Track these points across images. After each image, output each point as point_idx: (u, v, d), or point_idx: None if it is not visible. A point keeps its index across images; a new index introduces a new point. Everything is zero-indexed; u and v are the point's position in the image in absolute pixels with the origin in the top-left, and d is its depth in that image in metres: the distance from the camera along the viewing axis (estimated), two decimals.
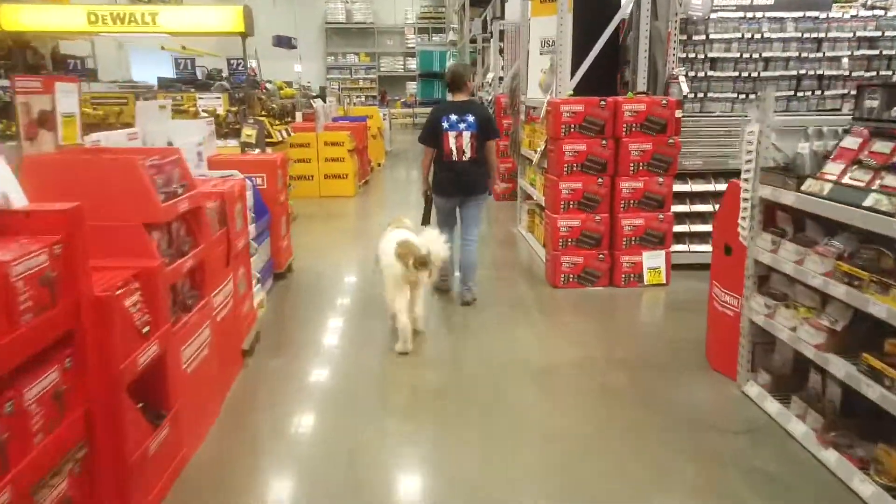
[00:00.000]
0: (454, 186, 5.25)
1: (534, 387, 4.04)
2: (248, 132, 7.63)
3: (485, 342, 4.74)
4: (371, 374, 4.25)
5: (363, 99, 29.90)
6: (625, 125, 5.64)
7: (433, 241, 4.57)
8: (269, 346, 4.63)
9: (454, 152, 5.13)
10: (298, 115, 12.27)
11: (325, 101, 18.94)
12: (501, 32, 10.30)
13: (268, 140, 7.75)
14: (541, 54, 7.49)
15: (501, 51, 10.39)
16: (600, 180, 5.72)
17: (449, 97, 5.44)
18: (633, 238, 5.78)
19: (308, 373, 4.29)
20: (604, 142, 5.67)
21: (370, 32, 29.56)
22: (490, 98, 10.25)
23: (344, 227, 8.91)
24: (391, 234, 4.74)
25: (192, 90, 8.43)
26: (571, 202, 5.76)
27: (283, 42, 27.56)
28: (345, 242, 7.68)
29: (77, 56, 15.96)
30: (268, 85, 14.81)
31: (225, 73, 14.20)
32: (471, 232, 5.40)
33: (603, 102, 5.63)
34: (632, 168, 5.69)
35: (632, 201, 5.74)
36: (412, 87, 28.13)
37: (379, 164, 14.11)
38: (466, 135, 5.10)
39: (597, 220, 5.76)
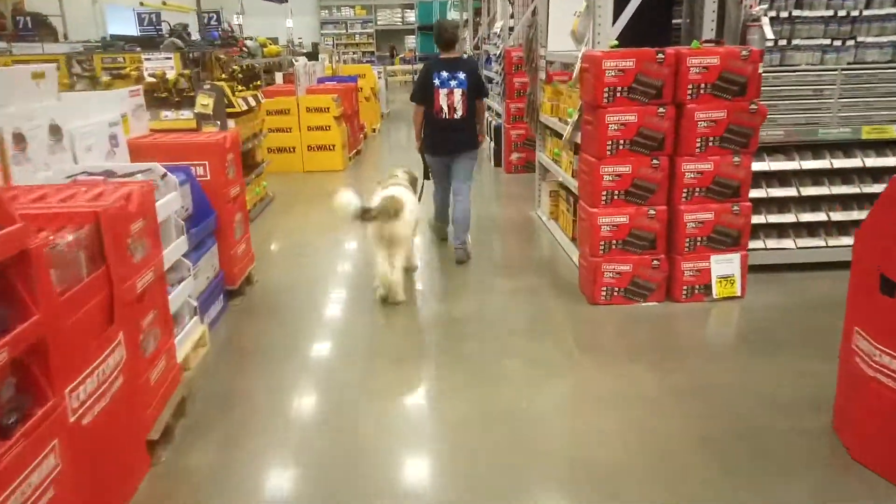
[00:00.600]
0: (445, 144, 5.21)
1: None
2: (204, 101, 6.09)
3: (494, 417, 3.26)
4: (363, 481, 2.77)
5: (359, 55, 28.04)
6: (690, 86, 4.09)
7: (385, 194, 4.53)
8: (202, 419, 3.17)
9: (445, 110, 5.03)
10: (279, 77, 10.68)
11: (317, 59, 17.28)
12: None
13: (228, 110, 6.22)
14: None
15: None
16: (655, 162, 4.22)
17: (442, 54, 5.19)
18: (699, 238, 4.29)
19: (261, 476, 2.80)
20: (661, 109, 4.15)
21: None
22: (499, 52, 8.63)
23: (329, 210, 7.38)
24: (381, 192, 4.67)
25: (138, 50, 6.84)
26: (617, 192, 4.25)
27: None
28: (328, 232, 6.24)
29: (43, 14, 14.27)
30: (248, 42, 13.14)
31: (196, 29, 12.52)
32: (462, 188, 5.30)
33: (661, 55, 4.09)
34: (699, 145, 4.17)
35: (698, 189, 4.24)
36: (411, 41, 26.21)
37: (374, 130, 12.51)
38: (457, 92, 5.00)
39: (650, 214, 4.28)
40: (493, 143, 9.17)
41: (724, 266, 4.32)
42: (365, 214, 4.31)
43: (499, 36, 8.58)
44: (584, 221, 4.46)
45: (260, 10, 25.63)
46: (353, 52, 28.08)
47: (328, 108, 8.77)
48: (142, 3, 20.28)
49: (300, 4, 26.65)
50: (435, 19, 24.85)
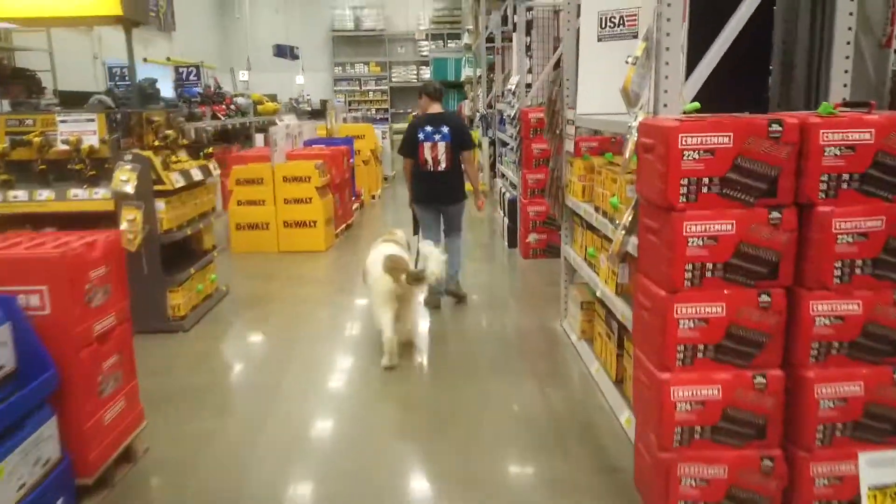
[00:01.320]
0: (431, 195, 5.27)
1: None
2: (124, 175, 4.56)
3: None
4: None
5: (373, 112, 27.03)
6: (824, 177, 2.48)
7: (431, 257, 4.42)
8: None
9: (429, 162, 5.16)
10: (260, 138, 9.23)
11: (324, 117, 15.99)
12: (529, 23, 7.16)
13: (157, 188, 4.67)
14: (599, 41, 4.31)
15: (529, 48, 7.26)
16: (765, 298, 2.56)
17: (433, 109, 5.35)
18: (839, 424, 2.59)
19: None
20: (775, 215, 2.52)
21: (380, 40, 26.60)
22: (514, 113, 7.09)
23: (295, 314, 5.62)
24: (380, 248, 4.62)
25: (59, 109, 5.36)
26: (702, 346, 2.60)
27: (284, 52, 24.68)
28: (293, 351, 4.60)
29: (31, 70, 13.14)
30: (240, 100, 11.83)
31: (170, 85, 11.24)
32: (454, 240, 5.46)
33: (777, 126, 2.47)
34: (838, 272, 2.52)
35: (835, 345, 2.56)
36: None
37: (374, 197, 11.00)
38: (441, 145, 5.12)
39: (758, 383, 2.59)
40: (506, 219, 7.58)
41: (884, 471, 2.57)
42: (415, 277, 4.26)
43: (514, 94, 7.07)
44: (645, 389, 2.74)
45: (272, 66, 24.81)
46: (367, 110, 27.13)
47: (309, 178, 7.24)
48: (146, 60, 19.43)
49: (313, 61, 25.82)
50: (451, 75, 23.80)
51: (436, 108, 5.31)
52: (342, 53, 26.85)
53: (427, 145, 5.14)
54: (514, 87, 7.06)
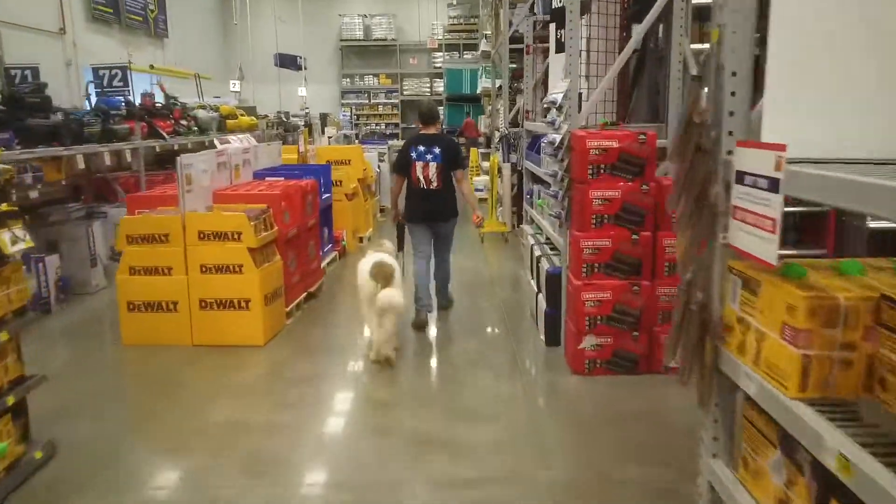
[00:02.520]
0: (423, 212, 5.20)
1: None
2: None
3: None
4: None
5: (383, 126, 24.44)
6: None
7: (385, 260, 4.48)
8: None
9: (421, 181, 5.12)
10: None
11: (322, 133, 13.41)
12: (586, 2, 4.37)
13: None
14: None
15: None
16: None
17: (421, 130, 5.31)
18: None
19: None
20: None
21: (392, 51, 24.05)
22: (560, 139, 4.29)
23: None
24: (370, 256, 4.59)
25: None
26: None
27: (287, 62, 22.11)
28: None
29: None
30: (200, 112, 9.20)
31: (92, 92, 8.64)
32: (444, 256, 5.40)
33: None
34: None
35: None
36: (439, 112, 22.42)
37: (362, 240, 8.27)
38: (433, 165, 5.10)
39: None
40: (540, 296, 4.84)
41: None
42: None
43: (558, 108, 4.31)
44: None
45: (274, 77, 22.32)
46: (376, 124, 24.58)
47: (239, 234, 4.53)
48: (130, 67, 16.96)
49: (320, 72, 23.31)
50: (466, 88, 21.17)
51: (429, 130, 5.24)
52: (351, 64, 24.33)
53: (419, 164, 5.12)
54: (559, 99, 4.30)
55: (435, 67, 23.67)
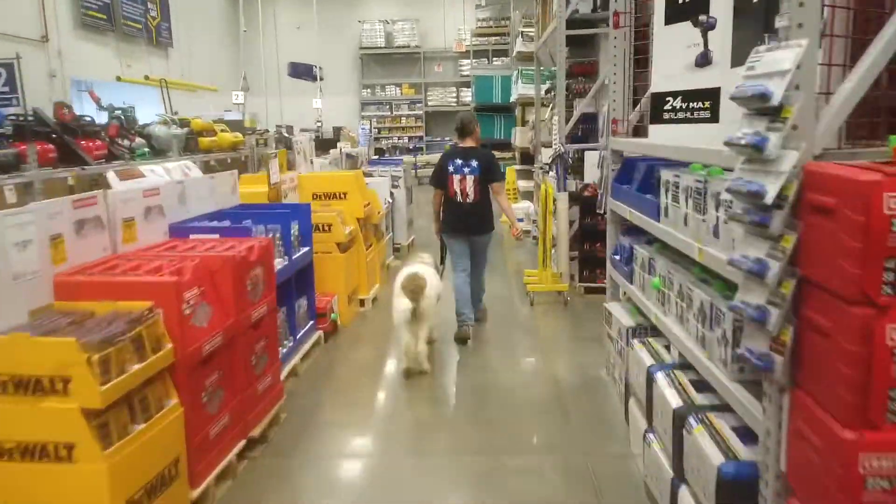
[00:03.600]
0: (460, 225, 5.10)
1: None
2: None
3: None
4: None
5: (405, 140, 22.09)
6: None
7: (419, 272, 4.43)
8: None
9: (458, 194, 5.04)
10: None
11: (335, 147, 11.12)
12: None
13: None
14: None
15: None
16: None
17: (459, 144, 5.24)
18: None
19: None
20: None
21: (415, 59, 21.72)
22: (781, 179, 1.80)
23: None
24: (406, 269, 4.56)
25: None
26: None
27: (302, 71, 19.82)
28: None
29: None
30: (158, 129, 6.87)
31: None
32: (479, 269, 5.24)
33: None
34: None
35: None
36: None
37: (363, 304, 5.75)
38: (470, 178, 5.01)
39: None
40: (667, 466, 2.33)
41: None
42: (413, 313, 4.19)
43: (764, 112, 1.82)
44: None
45: (293, 89, 20.16)
46: (399, 137, 22.27)
47: (65, 383, 2.11)
48: (119, 79, 14.88)
49: (338, 83, 21.07)
50: (497, 97, 18.69)
51: (467, 143, 5.15)
52: (372, 74, 22.05)
53: (456, 178, 5.02)
54: (768, 90, 1.78)
55: (462, 75, 21.25)
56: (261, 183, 5.05)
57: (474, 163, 5.00)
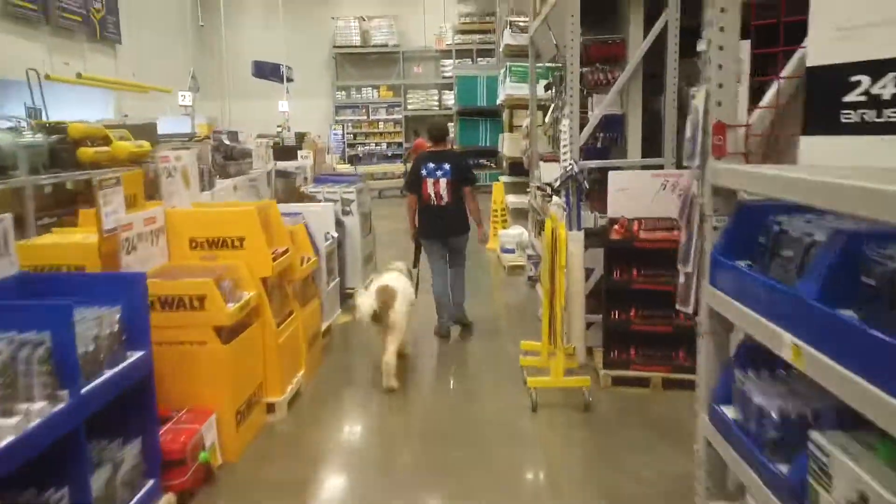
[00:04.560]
0: (435, 227, 5.09)
1: None
2: None
3: None
4: None
5: (384, 147, 20.00)
6: None
7: (389, 284, 4.30)
8: None
9: (433, 197, 5.02)
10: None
11: (296, 158, 9.23)
12: None
13: None
14: None
15: None
16: None
17: (431, 148, 5.26)
18: None
19: None
20: None
21: (393, 59, 19.67)
22: None
23: None
24: (378, 279, 4.44)
25: None
26: None
27: (267, 71, 17.70)
28: None
29: None
30: None
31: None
32: (458, 270, 5.19)
33: None
34: None
35: None
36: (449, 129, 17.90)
37: (268, 414, 3.67)
38: (443, 181, 4.99)
39: None
40: None
41: None
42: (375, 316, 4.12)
43: None
44: None
45: (260, 91, 18.02)
46: (377, 143, 20.18)
47: None
48: (49, 77, 12.62)
49: (309, 85, 18.96)
50: (481, 99, 16.66)
51: (439, 147, 5.20)
52: (346, 75, 19.95)
53: (430, 181, 4.99)
54: None
55: (444, 76, 19.23)
56: (84, 228, 2.94)
57: (447, 166, 4.99)
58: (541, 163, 5.57)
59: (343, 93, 19.85)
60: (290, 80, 17.55)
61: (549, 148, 5.84)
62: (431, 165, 5.00)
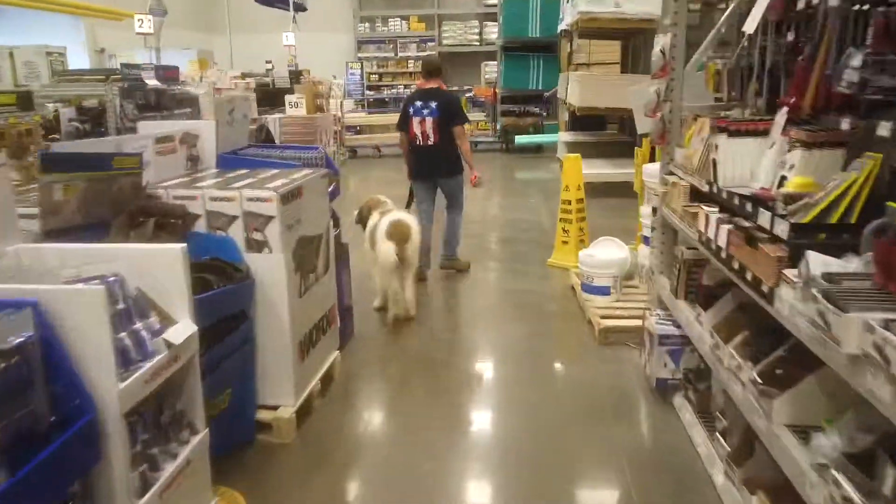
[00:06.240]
0: (423, 169, 4.91)
1: None
2: None
3: None
4: None
5: (412, 89, 16.67)
6: None
7: (403, 219, 4.12)
8: None
9: (419, 137, 4.83)
10: None
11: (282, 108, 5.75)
12: None
13: None
14: None
15: None
16: None
17: (422, 85, 5.04)
18: None
19: None
20: None
21: None
22: None
23: None
24: (386, 217, 4.11)
25: None
26: None
27: None
28: None
29: None
30: None
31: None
32: (453, 216, 5.01)
33: None
34: None
35: None
36: (490, 69, 14.31)
37: None
38: (429, 120, 4.78)
39: None
40: None
41: None
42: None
43: None
44: None
45: (264, 24, 14.75)
46: (406, 86, 16.77)
47: None
48: None
49: (326, 16, 15.57)
50: (534, 30, 13.04)
51: (431, 84, 4.91)
52: (371, 4, 16.41)
53: (416, 120, 4.79)
54: None
55: (486, 4, 15.55)
56: None
57: (433, 104, 4.76)
58: (721, 137, 2.30)
59: (367, 24, 16.37)
60: (302, 8, 14.20)
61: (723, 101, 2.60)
62: (419, 104, 4.82)
